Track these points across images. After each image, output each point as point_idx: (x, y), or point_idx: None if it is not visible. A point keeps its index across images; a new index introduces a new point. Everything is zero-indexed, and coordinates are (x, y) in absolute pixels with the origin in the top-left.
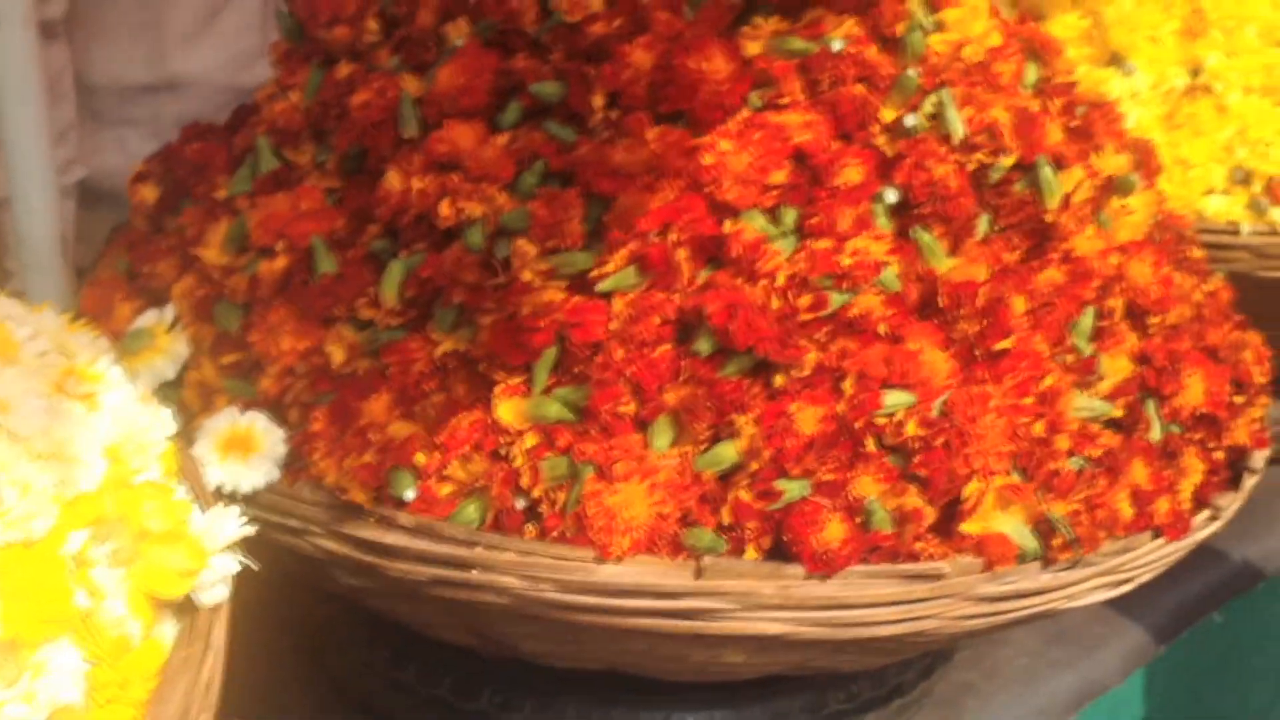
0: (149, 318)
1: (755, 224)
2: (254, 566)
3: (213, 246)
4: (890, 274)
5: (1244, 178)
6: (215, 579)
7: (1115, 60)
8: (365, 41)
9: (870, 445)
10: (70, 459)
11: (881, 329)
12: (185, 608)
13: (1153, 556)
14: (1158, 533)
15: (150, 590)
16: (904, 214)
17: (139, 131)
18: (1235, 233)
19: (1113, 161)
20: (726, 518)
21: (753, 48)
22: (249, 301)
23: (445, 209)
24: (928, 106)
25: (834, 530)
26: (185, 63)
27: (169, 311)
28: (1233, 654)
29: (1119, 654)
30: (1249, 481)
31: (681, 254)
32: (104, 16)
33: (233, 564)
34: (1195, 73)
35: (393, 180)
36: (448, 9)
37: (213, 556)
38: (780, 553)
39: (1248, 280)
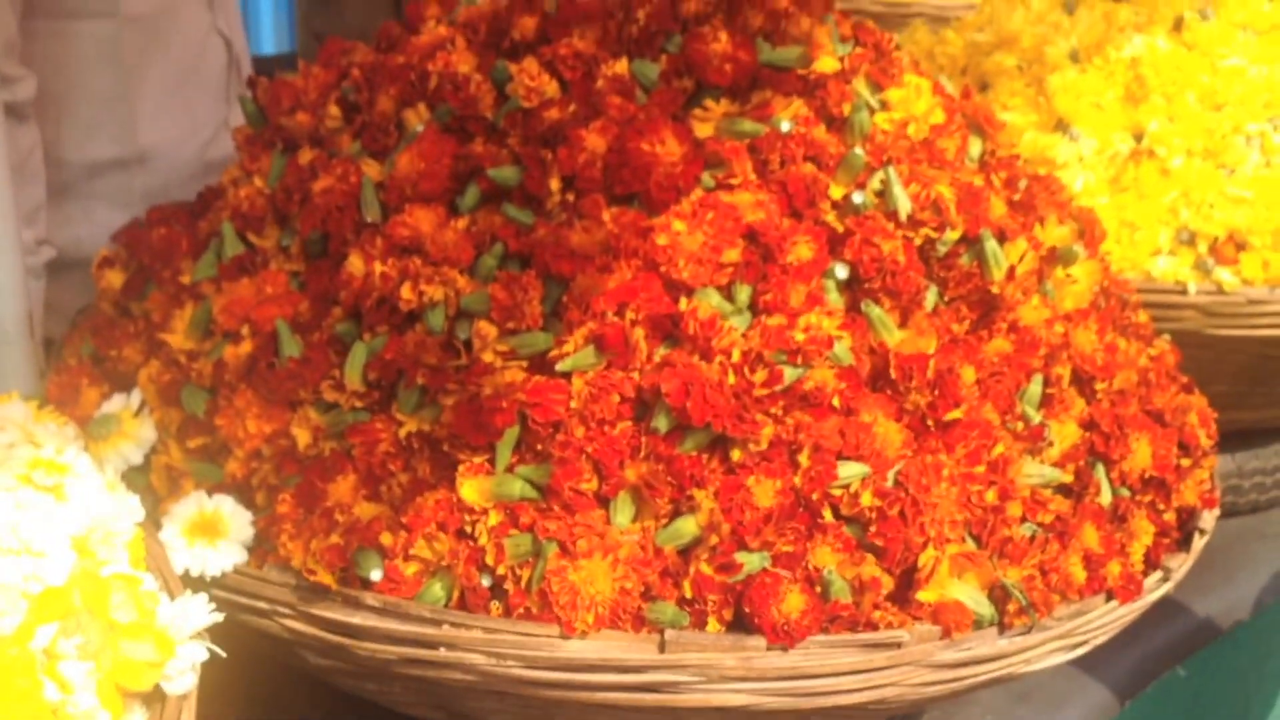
0: (115, 403)
1: (710, 302)
2: (221, 654)
3: (178, 331)
4: (842, 348)
5: (1189, 238)
6: (183, 668)
7: (1061, 126)
8: (327, 127)
9: (827, 516)
10: (38, 553)
11: (835, 402)
12: (154, 696)
13: (1107, 619)
14: (1110, 595)
15: (119, 682)
16: (854, 288)
17: (107, 203)
18: (1183, 292)
19: (1055, 233)
20: (688, 591)
21: (704, 130)
22: (215, 385)
23: (407, 292)
24: (875, 183)
25: (794, 601)
26: (153, 136)
27: (135, 396)
28: (1197, 707)
29: (1084, 711)
30: (1199, 542)
31: (638, 333)
32: (73, 93)
33: (201, 652)
34: (1138, 138)
35: (355, 264)
36: (407, 96)
37: (181, 646)
38: (742, 624)
39: (1197, 338)
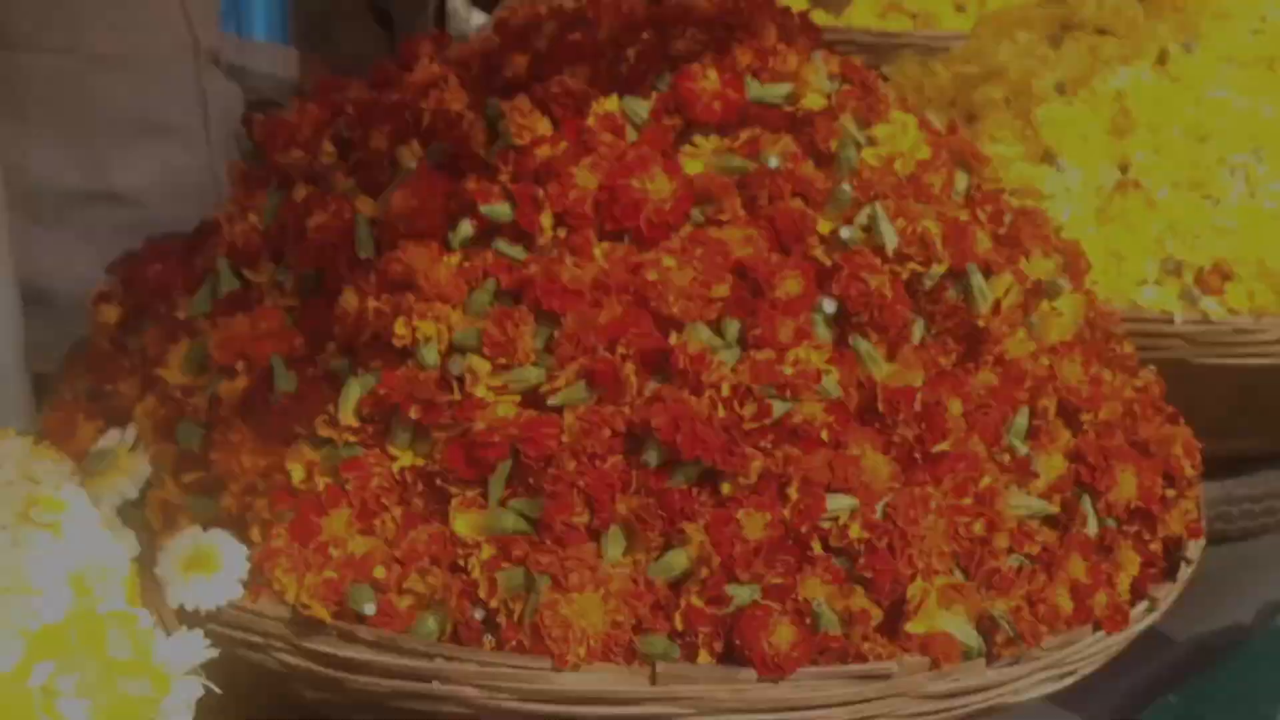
0: (111, 438)
1: (699, 336)
2: (216, 690)
3: (174, 366)
4: (830, 382)
5: (1175, 269)
6: (179, 704)
7: (1048, 158)
8: (321, 164)
9: (816, 548)
10: (36, 590)
11: (824, 435)
12: None
13: (1094, 649)
14: (1098, 625)
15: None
16: (842, 323)
17: (76, 236)
18: (1170, 321)
19: (1040, 266)
20: (679, 624)
21: (693, 166)
22: (210, 421)
23: (400, 328)
24: (862, 219)
25: (784, 633)
26: (125, 177)
27: (131, 431)
28: None
29: None
30: (1185, 572)
31: (629, 368)
32: (37, 126)
33: (196, 688)
34: (1124, 169)
35: (349, 300)
36: (400, 133)
37: (176, 682)
38: (733, 656)
39: (1183, 367)
